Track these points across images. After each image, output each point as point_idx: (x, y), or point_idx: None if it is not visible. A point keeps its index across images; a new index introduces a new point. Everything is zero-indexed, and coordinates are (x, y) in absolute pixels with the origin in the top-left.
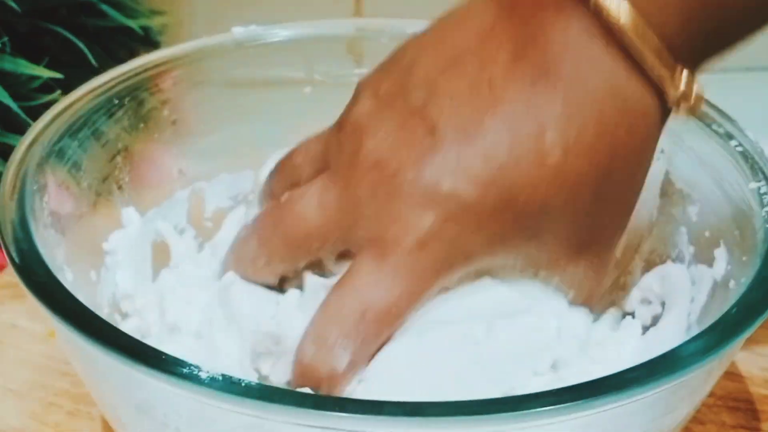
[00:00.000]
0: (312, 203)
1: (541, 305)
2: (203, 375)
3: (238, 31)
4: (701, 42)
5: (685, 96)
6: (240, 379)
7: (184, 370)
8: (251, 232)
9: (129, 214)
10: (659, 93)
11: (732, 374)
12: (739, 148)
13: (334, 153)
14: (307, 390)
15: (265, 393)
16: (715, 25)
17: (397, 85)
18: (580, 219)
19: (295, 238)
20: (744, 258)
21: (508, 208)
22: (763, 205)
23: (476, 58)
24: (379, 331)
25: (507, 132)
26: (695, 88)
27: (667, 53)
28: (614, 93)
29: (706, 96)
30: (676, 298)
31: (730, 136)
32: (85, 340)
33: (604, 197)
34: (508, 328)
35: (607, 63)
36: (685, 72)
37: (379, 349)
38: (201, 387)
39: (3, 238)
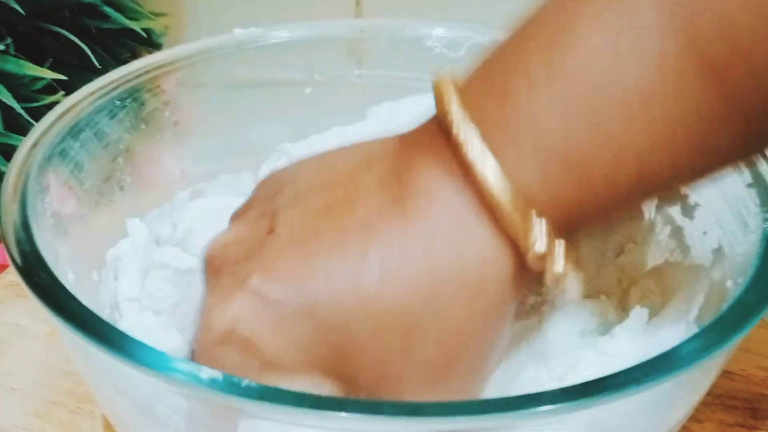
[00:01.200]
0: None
1: None
2: (204, 375)
3: (239, 33)
4: (570, 204)
5: (546, 255)
6: (240, 379)
7: (185, 370)
8: None
9: (134, 224)
10: (514, 247)
11: (730, 373)
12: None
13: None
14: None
15: (264, 393)
16: (584, 187)
17: (272, 189)
18: (391, 352)
19: None
20: (742, 258)
21: (309, 316)
22: (760, 206)
23: (347, 180)
24: None
25: (334, 247)
26: (559, 250)
27: (524, 204)
28: (455, 237)
29: None
30: (674, 297)
31: (758, 173)
32: (86, 341)
33: (423, 340)
34: None
35: (457, 207)
36: (544, 225)
37: None
38: (201, 387)
39: (5, 240)
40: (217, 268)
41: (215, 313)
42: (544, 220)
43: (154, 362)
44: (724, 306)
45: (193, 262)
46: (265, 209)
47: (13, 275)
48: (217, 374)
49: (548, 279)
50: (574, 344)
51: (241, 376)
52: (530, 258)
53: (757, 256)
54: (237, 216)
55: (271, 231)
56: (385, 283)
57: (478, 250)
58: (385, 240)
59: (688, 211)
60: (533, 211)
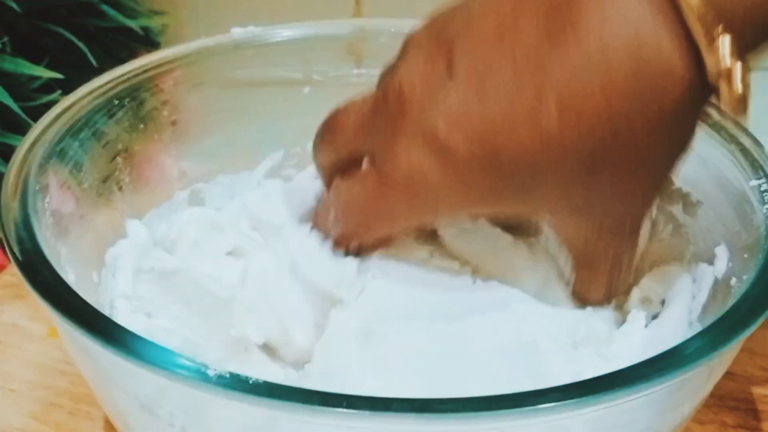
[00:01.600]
0: (354, 108)
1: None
2: (211, 373)
3: (237, 32)
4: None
5: (727, 75)
6: (247, 377)
7: (192, 368)
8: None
9: (133, 225)
10: (696, 62)
11: (732, 374)
12: (739, 146)
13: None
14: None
15: (273, 390)
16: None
17: (436, 29)
18: (571, 186)
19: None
20: (745, 255)
21: (493, 167)
22: (764, 203)
23: (510, 8)
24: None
25: (512, 86)
26: (739, 71)
27: (712, 17)
28: (635, 55)
29: None
30: (677, 296)
31: (729, 134)
32: (89, 338)
33: (601, 169)
34: (499, 325)
35: (636, 14)
36: (728, 41)
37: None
38: (208, 384)
39: (6, 237)
40: (404, 104)
41: (401, 157)
42: (729, 36)
43: (159, 360)
44: (729, 304)
45: (178, 263)
46: (441, 38)
47: (11, 276)
48: (224, 372)
49: (724, 99)
50: (568, 356)
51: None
52: (711, 74)
53: (762, 252)
54: (409, 45)
55: (449, 67)
56: (564, 122)
57: (658, 64)
58: (559, 75)
59: (690, 209)
60: (720, 26)
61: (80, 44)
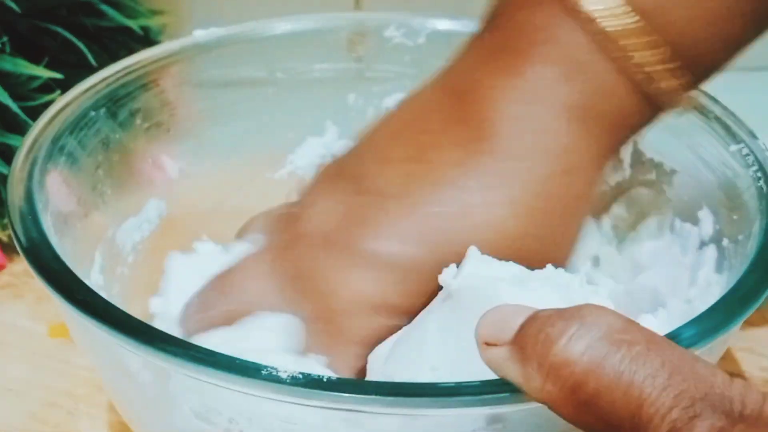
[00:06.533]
0: (249, 273)
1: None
2: (283, 375)
3: (200, 34)
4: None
5: (669, 86)
6: (320, 376)
7: (263, 372)
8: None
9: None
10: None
11: (732, 374)
12: (711, 113)
13: (279, 227)
14: None
15: (349, 387)
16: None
17: (342, 162)
18: (531, 257)
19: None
20: (734, 217)
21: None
22: (748, 166)
23: (415, 128)
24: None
25: (452, 195)
26: (679, 79)
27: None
28: (547, 150)
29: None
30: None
31: (699, 103)
32: (95, 324)
33: (551, 239)
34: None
35: (539, 115)
36: (668, 52)
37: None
38: (283, 386)
39: (12, 224)
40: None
41: (343, 289)
42: (667, 48)
43: (226, 367)
44: (725, 288)
45: None
46: (351, 180)
47: (9, 276)
48: (295, 372)
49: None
50: None
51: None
52: (653, 87)
53: (752, 212)
54: (308, 194)
55: (378, 197)
56: (513, 215)
57: (574, 148)
58: (493, 176)
59: (665, 177)
60: (656, 38)
61: (79, 44)
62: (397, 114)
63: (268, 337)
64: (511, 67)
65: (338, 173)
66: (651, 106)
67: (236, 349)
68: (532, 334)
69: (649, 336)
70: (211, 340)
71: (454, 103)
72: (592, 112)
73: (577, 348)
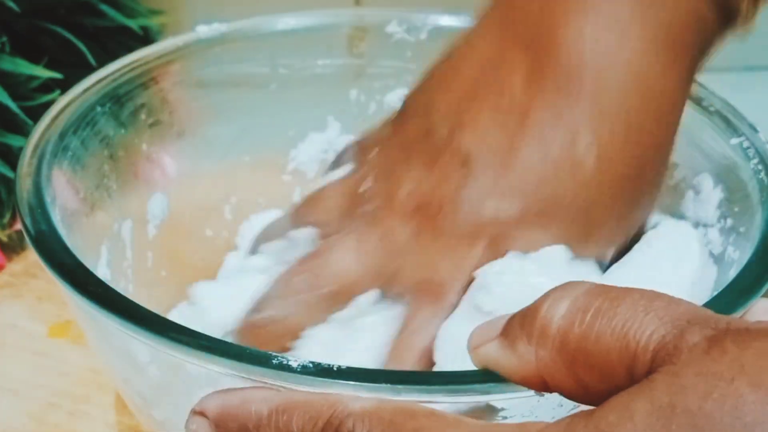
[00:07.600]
0: (349, 255)
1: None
2: (293, 364)
3: (203, 30)
4: None
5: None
6: (330, 365)
7: (274, 362)
8: (282, 287)
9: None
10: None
11: None
12: (712, 108)
13: (364, 203)
14: None
15: (361, 375)
16: None
17: (418, 129)
18: (624, 210)
19: (333, 292)
20: (736, 209)
21: (552, 212)
22: (749, 158)
23: (491, 85)
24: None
25: (538, 145)
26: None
27: None
28: (638, 81)
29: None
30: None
31: (698, 97)
32: (160, 341)
33: (642, 188)
34: None
35: (629, 47)
36: None
37: None
38: (293, 375)
39: (21, 217)
40: (435, 222)
41: (458, 260)
42: None
43: (238, 356)
44: (727, 278)
45: None
46: (433, 147)
47: (9, 276)
48: (305, 361)
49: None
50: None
51: None
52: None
53: (753, 202)
54: (399, 161)
55: (464, 164)
56: (604, 159)
57: (658, 85)
58: (580, 120)
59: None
60: None
61: (79, 44)
62: (458, 73)
63: None
64: (581, 3)
65: (412, 139)
66: (725, 19)
67: None
68: (518, 317)
69: (629, 287)
70: None
71: (527, 56)
72: (678, 36)
73: (559, 308)
